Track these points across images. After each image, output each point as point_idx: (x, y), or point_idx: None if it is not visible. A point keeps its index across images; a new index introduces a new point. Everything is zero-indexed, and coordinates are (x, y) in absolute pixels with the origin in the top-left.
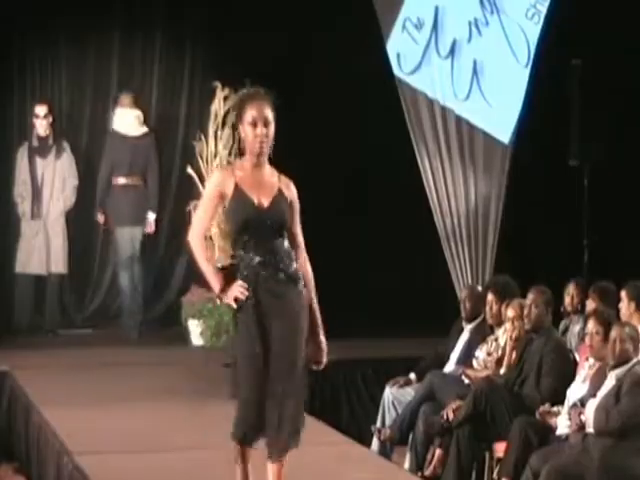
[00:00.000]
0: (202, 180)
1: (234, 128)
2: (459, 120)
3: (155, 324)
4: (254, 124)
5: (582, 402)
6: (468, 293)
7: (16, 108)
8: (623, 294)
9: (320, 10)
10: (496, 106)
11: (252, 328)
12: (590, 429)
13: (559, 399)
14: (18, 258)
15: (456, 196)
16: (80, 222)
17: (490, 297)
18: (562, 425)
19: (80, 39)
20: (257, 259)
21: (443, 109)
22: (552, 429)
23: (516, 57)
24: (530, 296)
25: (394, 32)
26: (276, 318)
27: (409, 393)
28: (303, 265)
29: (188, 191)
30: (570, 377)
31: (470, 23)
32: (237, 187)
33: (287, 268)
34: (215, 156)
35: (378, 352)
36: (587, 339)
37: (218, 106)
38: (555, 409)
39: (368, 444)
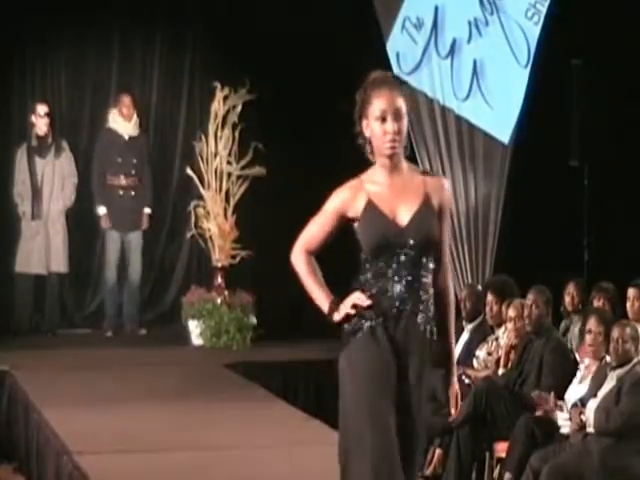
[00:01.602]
0: (202, 180)
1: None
2: (459, 120)
3: (155, 324)
4: (382, 118)
5: (582, 402)
6: (468, 293)
7: (16, 108)
8: (631, 293)
9: (320, 10)
10: (496, 106)
11: (376, 355)
12: (590, 429)
13: (560, 399)
14: (18, 258)
15: (456, 196)
16: (80, 221)
17: (490, 297)
18: (562, 420)
19: (80, 39)
20: (395, 290)
21: (443, 109)
22: (557, 427)
23: (516, 57)
24: (530, 296)
25: (394, 32)
26: (402, 365)
27: None
28: (444, 289)
29: (188, 191)
30: (571, 377)
31: (470, 23)
32: (369, 203)
33: (428, 307)
34: (215, 156)
35: None
36: (589, 338)
37: (218, 106)
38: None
39: None
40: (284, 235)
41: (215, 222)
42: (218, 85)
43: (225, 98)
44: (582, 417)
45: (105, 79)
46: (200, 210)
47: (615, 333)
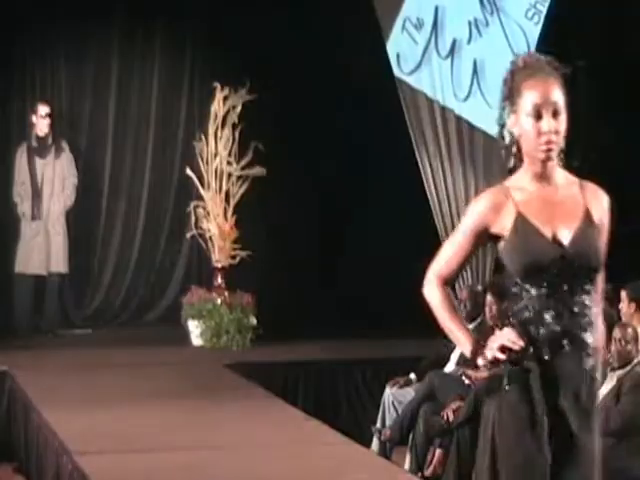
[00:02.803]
0: (202, 181)
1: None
2: (459, 120)
3: (155, 324)
4: (537, 114)
5: None
6: (468, 293)
7: (16, 108)
8: (624, 295)
9: (320, 10)
10: (496, 106)
11: (529, 409)
12: None
13: None
14: (18, 258)
15: (456, 196)
16: (80, 221)
17: (490, 298)
18: None
19: (80, 39)
20: (554, 323)
21: (443, 109)
22: None
23: None
24: None
25: (394, 32)
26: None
27: (409, 393)
28: (598, 316)
29: (188, 192)
30: None
31: (470, 23)
32: (520, 216)
33: (590, 339)
34: (215, 156)
35: (378, 352)
36: None
37: (218, 106)
38: None
39: (368, 444)
40: (284, 235)
41: (215, 222)
42: (218, 85)
43: (225, 98)
44: None
45: (105, 79)
46: (200, 210)
47: (617, 334)
